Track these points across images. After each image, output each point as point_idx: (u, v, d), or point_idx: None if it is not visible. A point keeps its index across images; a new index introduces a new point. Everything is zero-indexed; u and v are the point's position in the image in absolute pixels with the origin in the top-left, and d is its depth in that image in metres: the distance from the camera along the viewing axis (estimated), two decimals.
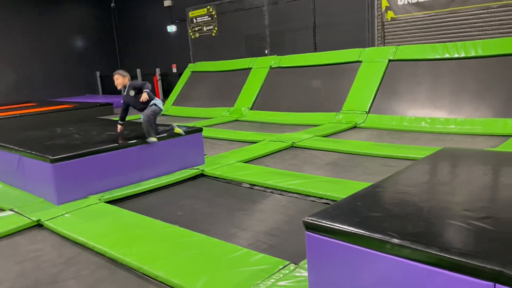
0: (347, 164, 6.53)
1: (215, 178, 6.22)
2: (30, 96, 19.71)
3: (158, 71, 19.46)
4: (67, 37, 20.73)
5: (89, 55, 21.91)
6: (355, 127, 9.31)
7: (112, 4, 21.20)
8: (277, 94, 11.79)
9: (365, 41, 11.62)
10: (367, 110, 9.74)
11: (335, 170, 6.22)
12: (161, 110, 6.24)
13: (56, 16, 20.30)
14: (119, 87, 6.31)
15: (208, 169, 6.42)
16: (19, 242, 4.68)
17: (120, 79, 6.28)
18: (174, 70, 19.38)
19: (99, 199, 5.54)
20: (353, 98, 10.03)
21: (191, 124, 10.25)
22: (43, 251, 4.43)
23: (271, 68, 12.56)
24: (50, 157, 5.43)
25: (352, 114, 9.70)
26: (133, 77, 19.45)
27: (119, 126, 6.69)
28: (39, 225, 5.06)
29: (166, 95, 18.83)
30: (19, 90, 19.31)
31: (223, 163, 6.61)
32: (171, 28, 19.39)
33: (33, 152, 5.66)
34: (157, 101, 6.24)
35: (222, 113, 12.48)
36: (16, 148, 6.04)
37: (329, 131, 8.92)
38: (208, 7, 15.69)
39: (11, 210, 5.40)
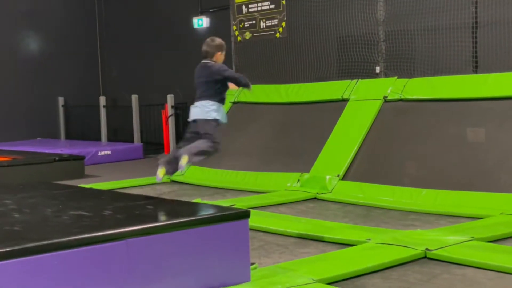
0: None
1: None
2: None
3: (169, 100, 15.44)
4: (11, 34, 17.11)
5: (49, 69, 17.66)
6: None
7: None
8: (396, 152, 9.40)
9: None
10: None
11: None
12: None
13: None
14: None
15: None
16: None
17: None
18: None
19: None
20: None
21: (224, 201, 8.51)
22: None
23: (385, 100, 10.00)
24: None
25: None
26: (122, 109, 16.57)
27: None
28: None
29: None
30: None
31: (285, 283, 5.17)
32: (200, 23, 15.20)
33: None
34: None
35: (287, 182, 10.01)
36: None
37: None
38: None
39: None
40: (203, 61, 6.54)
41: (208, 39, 6.63)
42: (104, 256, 4.35)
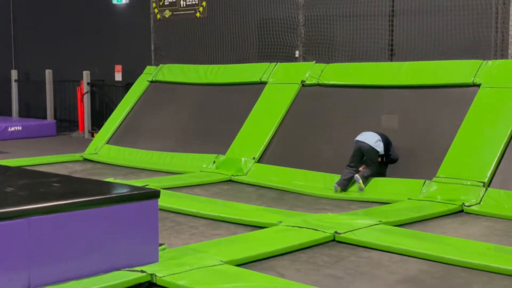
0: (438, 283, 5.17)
1: None
2: None
3: (85, 76, 15.16)
4: None
5: None
6: None
7: None
8: (312, 137, 9.48)
9: (488, 46, 9.48)
10: None
11: None
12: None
13: None
14: None
15: (163, 273, 5.04)
16: None
17: None
18: (118, 76, 15.39)
19: None
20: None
21: (138, 182, 8.44)
22: None
23: (303, 85, 10.04)
24: None
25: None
26: (35, 84, 16.32)
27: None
28: None
29: (97, 121, 15.15)
30: None
31: (194, 264, 5.30)
32: None
33: None
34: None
35: (202, 164, 10.04)
36: None
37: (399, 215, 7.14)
38: None
39: None
40: None
41: None
42: (4, 234, 4.27)
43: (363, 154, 8.08)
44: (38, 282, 4.36)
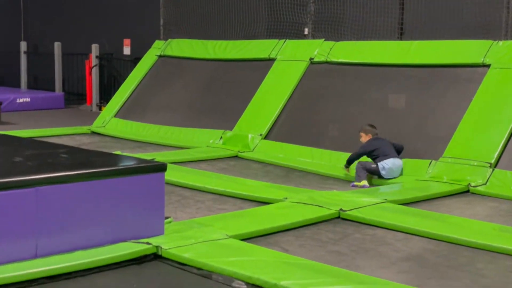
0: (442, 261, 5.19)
1: (181, 265, 4.93)
2: None
3: (94, 50, 15.21)
4: None
5: None
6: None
7: None
8: (319, 114, 9.45)
9: (499, 27, 9.30)
10: None
11: (418, 273, 4.94)
12: (378, 174, 7.49)
13: None
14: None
15: (168, 246, 5.06)
16: None
17: (363, 138, 7.78)
18: (127, 50, 15.54)
19: None
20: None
21: (145, 155, 8.36)
22: None
23: (312, 62, 10.02)
24: None
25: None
26: (44, 56, 16.23)
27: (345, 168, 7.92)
28: None
29: (105, 95, 15.22)
30: None
31: (199, 238, 5.31)
32: None
33: None
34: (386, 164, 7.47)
35: (209, 139, 10.02)
36: None
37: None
38: None
39: None
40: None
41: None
42: (12, 203, 4.30)
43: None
44: (45, 251, 4.39)
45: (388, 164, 7.38)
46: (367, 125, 7.75)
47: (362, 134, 7.84)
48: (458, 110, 8.23)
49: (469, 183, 7.25)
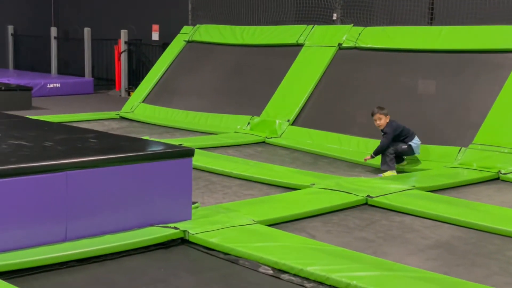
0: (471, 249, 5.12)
1: (208, 250, 4.93)
2: None
3: (123, 35, 15.29)
4: None
5: None
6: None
7: None
8: (347, 100, 9.39)
9: None
10: None
11: (446, 260, 4.88)
12: (412, 153, 7.42)
13: None
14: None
15: (196, 230, 5.08)
16: None
17: (383, 120, 7.42)
18: (155, 35, 15.51)
19: None
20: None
21: (173, 140, 8.41)
22: None
23: (340, 48, 9.96)
24: None
25: None
26: (74, 42, 16.32)
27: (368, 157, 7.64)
28: None
29: (133, 80, 15.26)
30: None
31: (226, 223, 5.29)
32: None
33: None
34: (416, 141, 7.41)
35: (237, 125, 10.01)
36: None
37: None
38: None
39: None
40: None
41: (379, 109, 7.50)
42: (42, 187, 4.31)
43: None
44: (74, 235, 4.42)
45: (418, 141, 7.29)
46: (377, 107, 7.56)
47: (381, 116, 7.47)
48: (489, 96, 8.04)
49: (499, 170, 7.12)
